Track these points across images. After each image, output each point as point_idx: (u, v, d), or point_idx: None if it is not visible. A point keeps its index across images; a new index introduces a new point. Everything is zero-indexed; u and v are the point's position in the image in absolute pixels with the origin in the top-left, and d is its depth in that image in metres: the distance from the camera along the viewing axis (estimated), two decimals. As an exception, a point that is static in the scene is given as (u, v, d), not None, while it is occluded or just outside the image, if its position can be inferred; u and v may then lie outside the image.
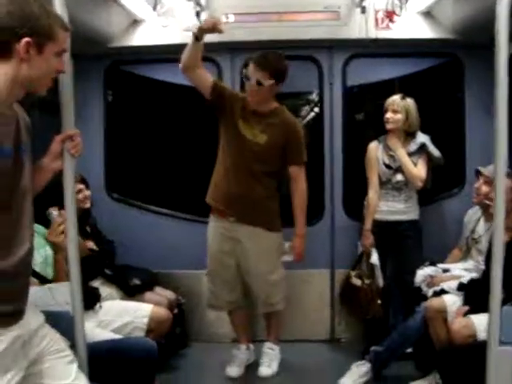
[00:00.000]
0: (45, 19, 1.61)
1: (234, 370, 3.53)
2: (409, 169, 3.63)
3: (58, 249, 2.70)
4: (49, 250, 2.83)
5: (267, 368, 3.53)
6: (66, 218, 2.04)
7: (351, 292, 3.85)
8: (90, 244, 3.41)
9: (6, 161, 1.61)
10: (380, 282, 3.73)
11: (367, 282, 3.75)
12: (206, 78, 3.26)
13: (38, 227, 2.77)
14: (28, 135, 1.76)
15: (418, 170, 3.64)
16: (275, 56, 3.20)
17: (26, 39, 1.58)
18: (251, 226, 3.30)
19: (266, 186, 3.30)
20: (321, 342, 4.14)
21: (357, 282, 3.80)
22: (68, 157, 1.95)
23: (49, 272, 2.80)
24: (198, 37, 3.07)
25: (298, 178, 3.34)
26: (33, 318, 1.78)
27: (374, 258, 3.73)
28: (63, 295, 2.35)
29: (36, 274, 2.63)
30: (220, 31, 3.04)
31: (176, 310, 3.67)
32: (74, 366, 1.86)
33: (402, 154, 3.66)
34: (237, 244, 3.35)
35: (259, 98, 3.22)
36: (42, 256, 2.79)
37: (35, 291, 1.88)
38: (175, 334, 3.63)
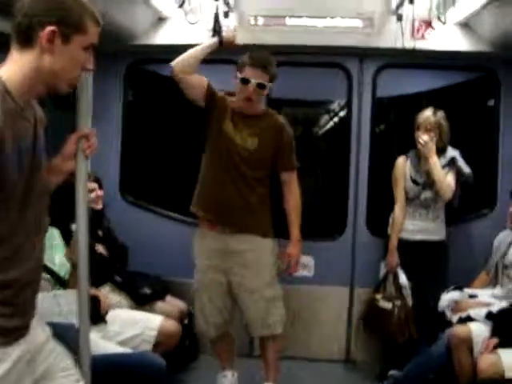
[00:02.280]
0: (76, 10, 1.54)
1: None
2: (440, 178, 3.54)
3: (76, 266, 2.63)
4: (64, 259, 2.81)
5: None
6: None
7: (379, 316, 3.65)
8: (100, 248, 3.32)
9: (25, 157, 1.52)
10: (410, 303, 3.59)
11: (398, 304, 3.59)
12: (201, 80, 3.17)
13: (53, 230, 2.80)
14: (43, 132, 1.67)
15: (449, 181, 3.57)
16: (271, 58, 3.13)
17: (51, 28, 1.49)
18: (247, 234, 3.14)
19: (257, 192, 3.16)
20: (335, 362, 4.05)
21: (386, 304, 3.63)
22: (82, 157, 1.83)
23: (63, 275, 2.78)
24: (222, 43, 3.14)
25: (291, 182, 3.25)
26: (40, 332, 1.69)
27: (403, 279, 3.61)
28: (69, 304, 2.26)
29: (53, 273, 2.64)
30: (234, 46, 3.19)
31: (186, 321, 3.58)
32: None
33: (434, 161, 3.54)
34: (230, 257, 3.15)
35: (257, 100, 3.14)
36: (59, 259, 2.76)
37: (41, 299, 1.76)
38: (184, 347, 3.53)
